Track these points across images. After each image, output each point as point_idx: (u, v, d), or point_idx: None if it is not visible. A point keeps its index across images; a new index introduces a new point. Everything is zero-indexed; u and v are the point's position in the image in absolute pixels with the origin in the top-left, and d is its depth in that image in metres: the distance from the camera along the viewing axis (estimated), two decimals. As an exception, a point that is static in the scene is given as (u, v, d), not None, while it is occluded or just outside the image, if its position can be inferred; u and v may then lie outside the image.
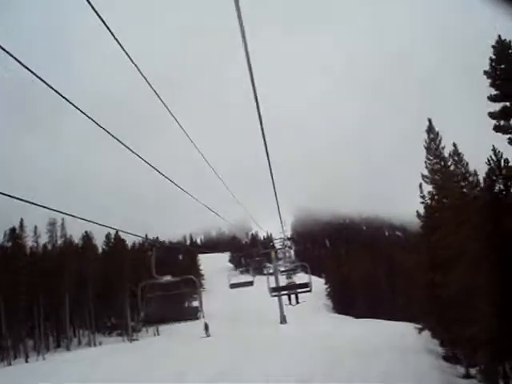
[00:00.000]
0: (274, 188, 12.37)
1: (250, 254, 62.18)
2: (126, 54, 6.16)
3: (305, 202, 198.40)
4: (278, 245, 50.41)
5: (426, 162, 30.73)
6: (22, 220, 59.73)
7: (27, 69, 5.62)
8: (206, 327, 52.64)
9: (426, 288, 32.76)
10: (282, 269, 44.73)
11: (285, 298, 37.15)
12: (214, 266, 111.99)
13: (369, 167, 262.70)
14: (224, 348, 40.90)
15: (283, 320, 57.87)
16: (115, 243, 62.09)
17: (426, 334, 41.20)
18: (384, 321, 59.42)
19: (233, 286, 35.44)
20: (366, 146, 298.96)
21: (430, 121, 31.27)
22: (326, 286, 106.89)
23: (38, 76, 5.79)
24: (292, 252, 51.44)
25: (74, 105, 6.37)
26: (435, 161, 30.13)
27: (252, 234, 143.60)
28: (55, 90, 6.10)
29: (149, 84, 7.18)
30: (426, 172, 30.60)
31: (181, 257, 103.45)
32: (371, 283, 72.97)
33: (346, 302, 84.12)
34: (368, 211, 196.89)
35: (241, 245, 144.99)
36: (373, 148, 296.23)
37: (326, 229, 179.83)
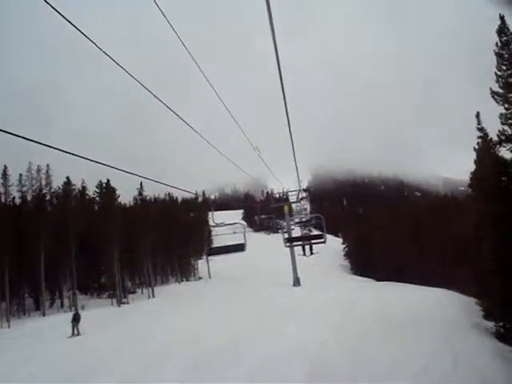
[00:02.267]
0: (291, 136, 12.40)
1: (262, 210, 54.33)
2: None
3: (322, 160, 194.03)
4: (293, 198, 41.76)
5: (496, 73, 22.16)
6: (5, 167, 52.60)
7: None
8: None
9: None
10: (297, 220, 42.18)
11: (299, 251, 37.72)
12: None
13: (387, 130, 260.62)
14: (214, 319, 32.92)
15: (296, 282, 50.03)
16: (106, 192, 54.52)
17: (465, 303, 35.52)
18: (411, 285, 52.01)
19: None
20: (383, 110, 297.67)
21: (502, 18, 22.17)
22: (344, 246, 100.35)
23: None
24: (308, 205, 43.66)
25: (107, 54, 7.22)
26: (510, 71, 21.41)
27: (267, 192, 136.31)
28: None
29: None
30: (496, 88, 21.89)
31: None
32: (394, 244, 64.98)
33: (367, 263, 76.73)
34: (386, 171, 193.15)
35: (255, 202, 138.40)
36: (390, 111, 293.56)
37: (343, 187, 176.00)
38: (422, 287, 49.21)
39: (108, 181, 54.99)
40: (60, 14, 5.92)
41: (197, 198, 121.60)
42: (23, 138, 6.00)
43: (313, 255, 37.35)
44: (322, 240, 27.25)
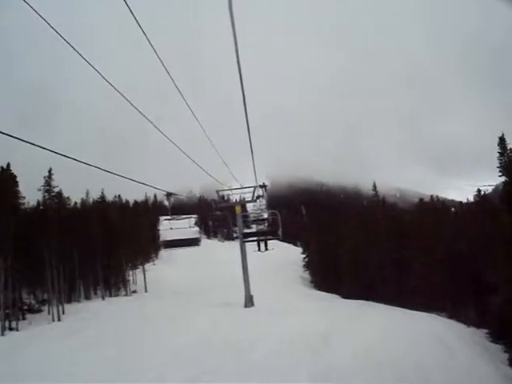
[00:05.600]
0: (250, 139, 12.25)
1: (215, 215, 47.22)
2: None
3: (281, 167, 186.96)
4: (248, 196, 32.66)
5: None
6: None
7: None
8: None
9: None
10: (253, 215, 37.56)
11: (253, 248, 35.87)
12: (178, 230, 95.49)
13: (348, 138, 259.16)
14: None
15: (249, 301, 38.00)
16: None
17: (475, 340, 28.11)
18: (388, 307, 42.01)
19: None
20: (344, 117, 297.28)
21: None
22: (304, 256, 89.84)
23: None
24: (264, 201, 33.62)
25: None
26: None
27: (223, 196, 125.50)
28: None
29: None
30: None
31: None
32: (365, 257, 54.28)
33: (331, 277, 65.82)
34: (345, 181, 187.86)
35: (210, 207, 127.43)
36: (351, 119, 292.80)
37: (302, 196, 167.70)
38: (405, 310, 39.19)
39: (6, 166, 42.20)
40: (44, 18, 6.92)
41: (146, 201, 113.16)
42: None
43: (267, 250, 36.08)
44: (278, 236, 29.91)
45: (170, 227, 26.80)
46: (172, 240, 28.07)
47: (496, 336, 30.00)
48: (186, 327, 27.76)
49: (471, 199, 78.23)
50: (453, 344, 25.20)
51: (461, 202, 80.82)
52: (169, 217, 26.04)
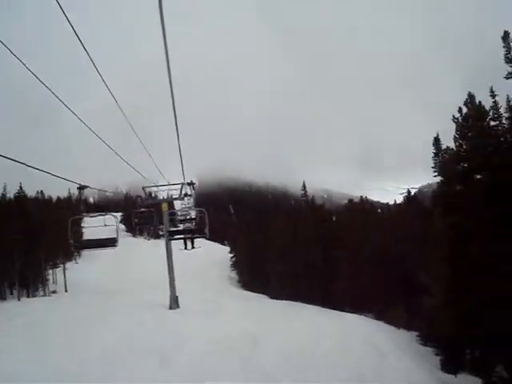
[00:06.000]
0: (178, 134, 12.45)
1: (139, 212, 43.38)
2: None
3: (210, 166, 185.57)
4: (175, 194, 35.42)
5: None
6: None
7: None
8: None
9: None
10: (180, 213, 36.34)
11: (180, 246, 35.62)
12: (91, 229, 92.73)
13: (277, 139, 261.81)
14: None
15: (174, 303, 35.97)
16: None
17: (407, 343, 28.05)
18: (317, 308, 41.19)
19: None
20: (271, 123, 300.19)
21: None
22: (231, 255, 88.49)
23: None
24: (192, 199, 32.15)
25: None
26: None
27: (150, 193, 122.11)
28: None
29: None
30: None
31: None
32: (294, 257, 53.39)
33: (258, 276, 64.68)
34: (273, 181, 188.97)
35: (136, 204, 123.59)
36: (277, 125, 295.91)
37: (231, 194, 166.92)
38: (334, 311, 38.69)
39: None
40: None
41: (70, 198, 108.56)
42: None
43: (194, 249, 35.71)
44: (204, 235, 29.59)
45: (82, 226, 22.70)
46: (87, 240, 24.08)
47: (426, 338, 29.77)
48: (105, 331, 25.51)
49: (396, 201, 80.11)
50: (385, 346, 24.63)
51: (388, 203, 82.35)
52: (85, 214, 22.06)
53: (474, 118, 20.77)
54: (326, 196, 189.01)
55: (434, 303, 24.76)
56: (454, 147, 21.85)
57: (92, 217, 20.08)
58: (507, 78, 20.01)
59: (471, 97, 21.52)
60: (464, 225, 19.31)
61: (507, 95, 21.78)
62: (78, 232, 23.08)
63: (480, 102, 21.20)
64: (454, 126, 22.23)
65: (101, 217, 19.81)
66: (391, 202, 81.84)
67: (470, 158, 20.42)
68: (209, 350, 20.87)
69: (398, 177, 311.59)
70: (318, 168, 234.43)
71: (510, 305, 18.00)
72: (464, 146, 21.23)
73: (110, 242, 20.31)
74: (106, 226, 20.52)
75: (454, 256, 20.01)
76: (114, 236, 19.78)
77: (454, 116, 21.73)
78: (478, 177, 20.50)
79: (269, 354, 20.76)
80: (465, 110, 21.59)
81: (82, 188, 16.21)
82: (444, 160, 24.11)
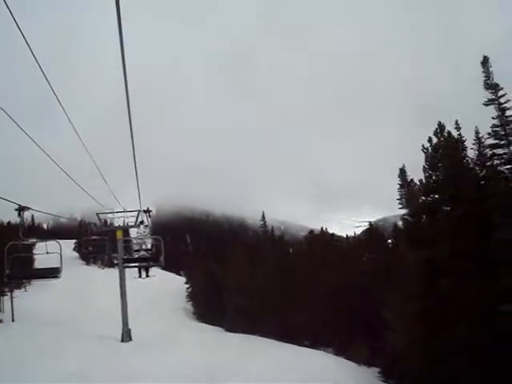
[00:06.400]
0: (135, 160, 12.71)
1: (91, 239, 42.82)
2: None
3: (168, 195, 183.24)
4: (131, 221, 33.68)
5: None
6: None
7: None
8: None
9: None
10: (136, 241, 37.00)
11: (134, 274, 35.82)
12: (56, 255, 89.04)
13: (234, 171, 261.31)
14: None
15: (126, 335, 33.91)
16: None
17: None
18: (276, 342, 39.70)
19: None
20: (230, 150, 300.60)
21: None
22: (187, 286, 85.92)
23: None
24: (148, 228, 31.02)
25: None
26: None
27: (105, 221, 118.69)
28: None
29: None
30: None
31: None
32: (251, 289, 51.82)
33: (214, 309, 62.63)
34: (229, 211, 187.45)
35: (88, 231, 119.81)
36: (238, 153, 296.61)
37: (189, 224, 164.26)
38: (293, 346, 37.33)
39: None
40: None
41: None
42: None
43: (148, 277, 36.63)
44: (160, 263, 28.70)
45: (18, 254, 18.93)
46: (24, 270, 21.79)
47: (387, 375, 28.77)
48: (50, 366, 23.44)
49: (354, 233, 79.86)
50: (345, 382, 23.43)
51: (347, 236, 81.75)
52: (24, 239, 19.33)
53: (444, 148, 20.10)
54: (282, 227, 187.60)
55: (398, 339, 23.79)
56: (422, 178, 21.11)
57: (33, 243, 18.43)
58: (486, 105, 19.44)
59: (441, 126, 20.92)
60: (435, 259, 18.43)
61: (476, 126, 21.40)
62: (17, 260, 18.60)
63: (450, 132, 20.62)
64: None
65: (43, 243, 16.99)
66: (348, 235, 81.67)
67: (441, 189, 19.67)
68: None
69: (352, 211, 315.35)
70: (273, 199, 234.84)
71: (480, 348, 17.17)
72: (433, 177, 20.53)
73: (52, 273, 17.77)
74: (48, 253, 18.21)
75: (425, 292, 19.07)
76: (58, 266, 17.23)
77: (423, 146, 21.10)
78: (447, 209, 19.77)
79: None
80: (435, 140, 20.99)
81: (21, 209, 14.29)
82: (411, 191, 23.40)
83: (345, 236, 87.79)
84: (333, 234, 68.01)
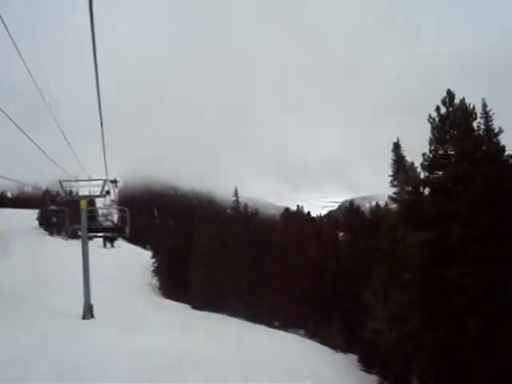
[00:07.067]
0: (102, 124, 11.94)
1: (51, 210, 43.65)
2: None
3: (135, 167, 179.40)
4: (97, 191, 26.54)
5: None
6: None
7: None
8: None
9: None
10: (101, 211, 34.03)
11: (99, 244, 33.97)
12: (18, 225, 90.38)
13: (205, 146, 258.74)
14: None
15: (88, 312, 31.06)
16: None
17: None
18: (241, 321, 37.70)
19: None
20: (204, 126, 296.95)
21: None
22: (153, 261, 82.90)
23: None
24: (114, 197, 28.60)
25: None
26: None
27: (71, 191, 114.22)
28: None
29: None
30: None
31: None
32: (220, 266, 49.40)
33: (181, 285, 59.97)
34: (199, 186, 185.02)
35: (56, 201, 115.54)
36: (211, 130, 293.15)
37: (157, 198, 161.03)
38: (265, 328, 35.26)
39: None
40: None
41: None
42: None
43: (113, 248, 34.30)
44: (125, 234, 29.07)
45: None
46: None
47: (367, 364, 26.81)
48: (2, 345, 20.58)
49: (319, 213, 78.13)
50: (327, 375, 21.25)
51: (320, 215, 79.98)
52: None
53: (457, 118, 17.64)
54: (252, 205, 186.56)
55: (383, 328, 21.74)
56: (427, 152, 18.62)
57: None
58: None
59: (450, 94, 18.45)
60: (441, 242, 16.18)
61: (483, 98, 19.11)
62: None
63: (463, 99, 18.12)
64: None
65: None
66: (318, 215, 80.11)
67: (454, 165, 17.30)
68: (122, 374, 16.51)
69: (318, 192, 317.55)
70: (242, 177, 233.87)
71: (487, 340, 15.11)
72: (440, 151, 18.14)
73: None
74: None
75: (426, 278, 16.85)
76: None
77: (430, 116, 18.66)
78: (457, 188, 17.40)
79: (194, 380, 16.73)
80: (443, 109, 18.53)
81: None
82: (411, 167, 21.08)
83: (320, 214, 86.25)
84: (309, 213, 65.98)
